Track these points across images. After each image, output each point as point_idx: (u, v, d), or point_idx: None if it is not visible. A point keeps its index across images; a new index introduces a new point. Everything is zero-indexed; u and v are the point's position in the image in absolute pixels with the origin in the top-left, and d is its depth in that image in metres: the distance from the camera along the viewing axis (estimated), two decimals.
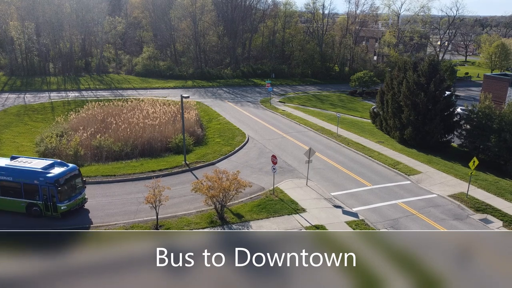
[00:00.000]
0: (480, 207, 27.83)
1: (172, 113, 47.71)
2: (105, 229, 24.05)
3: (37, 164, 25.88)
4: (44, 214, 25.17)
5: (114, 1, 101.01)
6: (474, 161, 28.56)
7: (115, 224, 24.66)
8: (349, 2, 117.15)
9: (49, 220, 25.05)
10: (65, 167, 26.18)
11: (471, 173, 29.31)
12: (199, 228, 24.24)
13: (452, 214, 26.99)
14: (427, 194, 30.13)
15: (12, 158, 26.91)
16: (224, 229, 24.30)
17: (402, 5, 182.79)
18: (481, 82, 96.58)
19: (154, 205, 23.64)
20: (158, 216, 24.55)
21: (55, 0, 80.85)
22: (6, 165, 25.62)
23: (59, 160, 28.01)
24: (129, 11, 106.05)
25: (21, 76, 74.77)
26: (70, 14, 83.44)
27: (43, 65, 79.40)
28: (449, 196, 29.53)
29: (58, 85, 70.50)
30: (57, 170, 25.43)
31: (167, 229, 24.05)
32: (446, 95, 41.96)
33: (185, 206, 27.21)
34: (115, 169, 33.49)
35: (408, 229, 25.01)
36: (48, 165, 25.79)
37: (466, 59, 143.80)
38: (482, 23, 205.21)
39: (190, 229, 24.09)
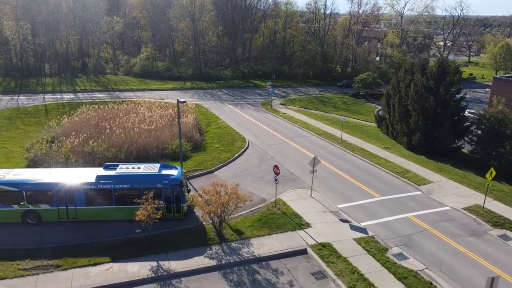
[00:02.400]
0: (498, 221, 25.91)
1: (169, 116, 45.79)
2: (94, 247, 22.08)
3: (148, 168, 25.71)
4: (165, 216, 24.31)
5: (113, 0, 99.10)
6: (491, 172, 26.65)
7: (105, 240, 22.72)
8: (352, 1, 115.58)
9: (174, 222, 24.52)
10: (174, 168, 26.22)
11: (487, 185, 27.40)
12: (195, 246, 22.30)
13: (468, 230, 25.07)
14: (439, 206, 28.20)
15: (106, 166, 25.93)
16: (222, 247, 22.38)
17: (405, 5, 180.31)
18: (486, 83, 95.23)
19: (146, 222, 21.73)
20: (152, 232, 22.66)
21: (51, 0, 78.97)
22: (119, 173, 24.99)
23: (162, 163, 28.26)
24: (128, 10, 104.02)
25: (16, 77, 72.95)
26: (67, 13, 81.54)
27: (39, 66, 77.60)
28: (464, 208, 27.60)
29: (53, 87, 68.64)
30: (173, 172, 25.57)
31: (161, 247, 22.11)
32: (455, 98, 40.06)
33: (181, 220, 25.25)
34: None
35: (422, 247, 23.09)
36: (160, 167, 25.89)
37: (469, 59, 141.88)
38: (484, 23, 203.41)
39: (186, 247, 22.15)
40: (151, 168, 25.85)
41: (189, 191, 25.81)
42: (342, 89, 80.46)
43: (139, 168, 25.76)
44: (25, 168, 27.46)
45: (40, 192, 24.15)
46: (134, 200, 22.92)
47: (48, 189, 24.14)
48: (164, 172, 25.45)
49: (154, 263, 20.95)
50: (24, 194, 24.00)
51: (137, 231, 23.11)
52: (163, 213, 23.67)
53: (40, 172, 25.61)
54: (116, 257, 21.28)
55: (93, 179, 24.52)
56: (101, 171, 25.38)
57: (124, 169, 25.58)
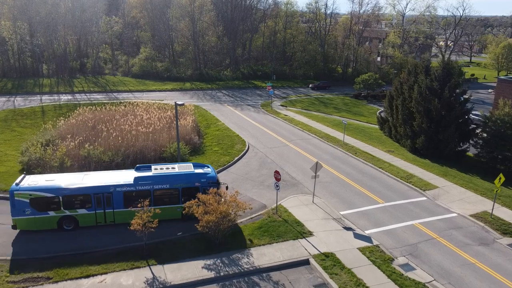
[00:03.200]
0: (507, 229, 24.97)
1: (167, 119, 44.85)
2: (86, 258, 21.13)
3: (182, 167, 25.82)
4: None
5: (112, 0, 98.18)
6: (500, 178, 25.71)
7: (99, 251, 21.77)
8: (353, 1, 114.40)
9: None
10: (206, 167, 26.59)
11: (496, 191, 26.46)
12: (192, 257, 21.36)
13: (476, 238, 24.13)
14: (446, 213, 27.27)
15: (138, 168, 25.82)
16: (221, 257, 21.43)
17: (407, 4, 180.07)
18: (488, 84, 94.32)
19: (141, 231, 20.80)
20: (148, 241, 21.71)
21: (49, 0, 78.04)
22: (157, 173, 24.84)
23: (194, 162, 28.66)
24: (127, 11, 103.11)
25: (13, 78, 71.99)
26: (65, 13, 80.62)
27: (36, 66, 76.63)
28: (471, 215, 26.66)
29: (51, 88, 67.73)
30: (208, 170, 25.95)
31: (157, 258, 21.16)
32: (460, 100, 39.13)
33: (179, 228, 24.29)
34: None
35: (429, 256, 22.15)
36: (194, 166, 26.12)
37: (470, 60, 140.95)
38: (485, 23, 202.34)
39: (183, 259, 21.21)
40: (185, 167, 25.93)
41: (227, 187, 25.95)
42: (315, 91, 76.64)
43: (173, 168, 25.69)
44: (56, 174, 26.62)
45: (78, 196, 23.60)
46: (177, 199, 23.78)
47: (86, 193, 23.61)
48: (200, 171, 25.57)
49: (149, 275, 20.02)
50: (61, 200, 23.29)
51: (178, 233, 23.07)
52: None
53: (73, 177, 24.85)
54: (110, 268, 20.33)
55: (131, 181, 24.16)
56: (134, 173, 25.08)
57: (159, 169, 25.40)
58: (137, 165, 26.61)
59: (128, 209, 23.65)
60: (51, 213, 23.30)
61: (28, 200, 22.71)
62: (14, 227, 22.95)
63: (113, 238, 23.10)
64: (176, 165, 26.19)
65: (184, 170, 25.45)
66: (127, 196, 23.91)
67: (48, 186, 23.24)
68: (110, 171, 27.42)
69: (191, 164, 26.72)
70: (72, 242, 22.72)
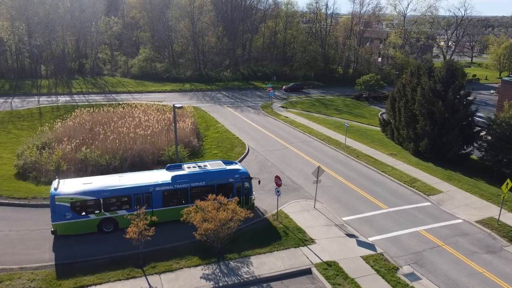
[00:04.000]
0: None
1: (166, 121, 44.15)
2: (80, 267, 20.41)
3: (213, 165, 26.45)
4: None
5: (111, 0, 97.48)
6: (507, 184, 24.98)
7: (93, 260, 21.04)
8: (353, 2, 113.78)
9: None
10: (234, 163, 27.56)
11: (503, 197, 25.73)
12: (190, 266, 20.66)
13: (483, 246, 23.42)
14: (451, 219, 26.55)
15: (169, 167, 26.07)
16: (220, 267, 20.73)
17: (408, 5, 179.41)
18: (490, 85, 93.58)
19: (137, 239, 20.10)
20: (144, 250, 21.00)
21: (47, 0, 77.33)
22: (193, 172, 25.35)
23: (222, 159, 29.42)
24: (126, 11, 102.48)
25: (11, 79, 71.29)
26: (64, 14, 79.93)
27: (35, 67, 75.92)
28: (477, 222, 25.95)
29: (49, 89, 67.06)
30: (239, 166, 26.87)
31: (153, 267, 20.45)
32: (464, 102, 38.41)
33: (176, 235, 23.57)
34: None
35: (435, 265, 21.44)
36: (224, 163, 26.91)
37: (472, 60, 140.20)
38: (485, 24, 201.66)
39: (180, 267, 20.50)
40: (216, 165, 26.58)
41: (259, 182, 27.53)
42: (288, 93, 73.49)
43: (205, 165, 26.25)
44: (92, 177, 26.22)
45: (118, 198, 23.57)
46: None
47: (126, 194, 23.60)
48: (231, 167, 26.38)
49: (145, 285, 19.31)
50: (102, 202, 23.15)
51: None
52: None
53: (109, 179, 24.74)
54: (105, 278, 19.62)
55: (169, 180, 24.40)
56: (167, 172, 25.33)
57: (192, 168, 25.87)
58: (168, 164, 26.84)
59: (167, 208, 24.04)
60: (92, 216, 23.13)
61: (69, 204, 22.50)
62: (54, 232, 22.67)
63: (108, 246, 22.39)
64: (207, 163, 26.86)
65: (216, 167, 26.03)
66: (165, 195, 24.21)
67: (89, 189, 23.12)
68: (142, 171, 27.19)
69: (221, 161, 27.48)
70: (66, 249, 22.01)
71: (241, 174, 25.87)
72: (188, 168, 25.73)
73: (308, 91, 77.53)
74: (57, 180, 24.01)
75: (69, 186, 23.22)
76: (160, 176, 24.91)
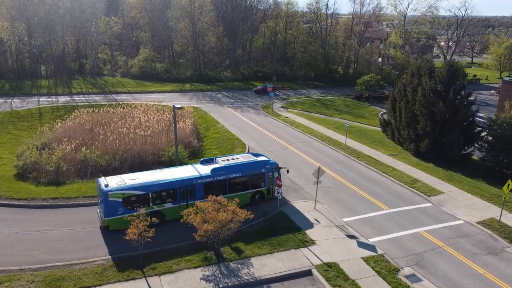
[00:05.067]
0: None
1: (166, 121, 44.12)
2: (80, 268, 20.33)
3: (244, 157, 28.14)
4: (265, 198, 27.73)
5: (111, 0, 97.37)
6: (508, 185, 24.90)
7: (93, 261, 20.96)
8: (354, 2, 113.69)
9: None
10: (260, 155, 29.25)
11: (504, 198, 25.65)
12: (190, 267, 20.58)
13: (484, 247, 23.33)
14: (452, 220, 26.47)
15: (203, 161, 27.79)
16: (220, 268, 20.65)
17: (408, 5, 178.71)
18: (491, 85, 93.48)
19: (137, 241, 20.03)
20: (144, 251, 20.94)
21: (47, 0, 77.24)
22: (230, 164, 26.76)
23: (251, 152, 31.39)
24: (126, 11, 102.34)
25: (11, 79, 71.14)
26: (64, 14, 79.82)
27: (35, 67, 75.78)
28: (478, 223, 25.86)
29: (49, 89, 66.95)
30: (264, 158, 28.44)
31: (153, 268, 20.37)
32: (465, 103, 38.33)
33: (176, 236, 23.54)
34: None
35: (436, 266, 21.36)
36: (253, 155, 28.87)
37: (472, 60, 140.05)
38: (485, 24, 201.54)
39: (180, 269, 20.42)
40: (247, 157, 28.29)
41: (288, 171, 29.17)
42: (260, 95, 69.54)
43: (237, 158, 27.85)
44: (136, 173, 26.50)
45: (165, 191, 24.57)
46: (247, 186, 26.61)
47: (172, 188, 24.66)
48: (260, 159, 28.17)
49: (145, 286, 19.23)
50: (150, 196, 24.05)
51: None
52: (264, 195, 27.68)
53: (152, 174, 25.74)
54: (105, 280, 19.55)
55: (209, 172, 25.71)
56: (202, 166, 26.76)
57: (226, 160, 27.25)
58: (202, 159, 28.55)
59: (208, 199, 24.31)
60: (141, 210, 23.32)
61: (120, 200, 23.22)
62: (106, 227, 23.37)
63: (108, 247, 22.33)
64: (238, 156, 28.55)
65: (248, 159, 27.71)
66: (206, 187, 25.37)
67: (139, 183, 23.96)
68: (177, 166, 28.23)
69: (249, 154, 29.59)
70: (67, 251, 21.94)
71: (271, 164, 27.75)
72: (222, 161, 27.08)
73: (309, 91, 77.38)
74: (102, 177, 24.69)
75: (117, 182, 23.88)
76: (197, 169, 26.18)
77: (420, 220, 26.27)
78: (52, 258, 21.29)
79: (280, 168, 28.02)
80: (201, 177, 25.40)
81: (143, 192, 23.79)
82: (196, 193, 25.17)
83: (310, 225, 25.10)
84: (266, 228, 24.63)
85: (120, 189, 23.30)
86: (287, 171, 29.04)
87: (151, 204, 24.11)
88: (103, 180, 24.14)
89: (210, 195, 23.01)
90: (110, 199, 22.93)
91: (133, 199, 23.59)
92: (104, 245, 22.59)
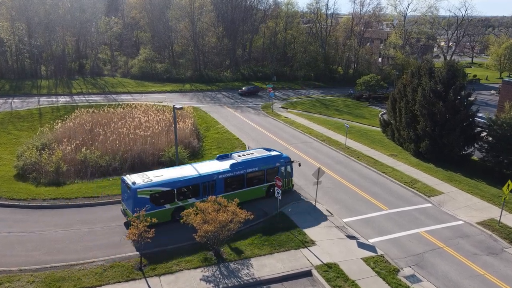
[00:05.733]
0: None
1: (166, 121, 44.15)
2: (80, 269, 20.34)
3: (258, 152, 29.27)
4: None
5: (111, 1, 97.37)
6: (508, 185, 24.90)
7: (93, 262, 20.97)
8: (354, 2, 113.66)
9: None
10: (273, 151, 30.38)
11: (504, 198, 25.65)
12: (190, 268, 20.58)
13: (484, 248, 23.33)
14: (452, 220, 26.47)
15: (219, 157, 28.65)
16: (220, 268, 20.65)
17: (408, 5, 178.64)
18: (491, 85, 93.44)
19: (137, 241, 20.04)
20: (144, 251, 20.96)
21: (48, 0, 77.24)
22: (247, 159, 27.83)
23: (263, 147, 31.95)
24: (127, 11, 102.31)
25: (11, 79, 71.17)
26: (64, 14, 79.82)
27: (35, 67, 75.80)
28: (478, 223, 25.86)
29: (49, 89, 66.97)
30: (276, 153, 29.56)
31: (153, 269, 20.38)
32: (465, 103, 38.31)
33: (176, 236, 23.54)
34: (100, 189, 29.88)
35: (436, 267, 21.35)
36: (266, 150, 29.99)
37: (472, 60, 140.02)
38: (485, 24, 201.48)
39: (180, 269, 20.43)
40: (260, 152, 29.38)
41: (299, 165, 30.56)
42: (245, 97, 67.57)
43: (252, 153, 28.98)
44: (159, 170, 27.41)
45: (189, 187, 25.28)
46: (262, 180, 27.82)
47: (196, 183, 25.42)
48: (274, 153, 29.40)
49: (145, 287, 19.23)
50: (175, 192, 24.72)
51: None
52: (272, 190, 28.13)
53: (175, 170, 26.37)
54: (104, 280, 19.56)
55: (228, 167, 26.60)
56: (218, 162, 27.66)
57: (242, 156, 28.30)
58: (218, 155, 29.56)
59: (228, 193, 25.86)
60: (167, 206, 24.58)
61: (148, 196, 23.74)
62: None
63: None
64: (252, 151, 29.81)
65: (263, 154, 28.81)
66: (226, 182, 26.39)
67: (165, 180, 24.56)
68: (197, 163, 29.13)
69: (262, 149, 30.41)
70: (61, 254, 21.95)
71: (285, 158, 29.00)
72: (238, 157, 28.11)
73: (309, 91, 77.35)
74: (127, 175, 25.18)
75: (143, 179, 24.37)
76: (217, 165, 27.05)
77: (420, 221, 26.27)
78: (52, 258, 21.30)
79: (293, 162, 29.18)
80: (222, 173, 26.22)
81: (169, 189, 24.43)
82: (217, 188, 25.94)
83: (310, 226, 25.08)
84: (266, 228, 24.61)
85: (147, 186, 23.82)
86: (299, 165, 30.34)
87: (176, 200, 24.78)
88: (128, 178, 24.57)
89: (230, 190, 24.72)
90: (138, 196, 23.41)
91: (160, 196, 24.18)
92: (104, 246, 22.59)
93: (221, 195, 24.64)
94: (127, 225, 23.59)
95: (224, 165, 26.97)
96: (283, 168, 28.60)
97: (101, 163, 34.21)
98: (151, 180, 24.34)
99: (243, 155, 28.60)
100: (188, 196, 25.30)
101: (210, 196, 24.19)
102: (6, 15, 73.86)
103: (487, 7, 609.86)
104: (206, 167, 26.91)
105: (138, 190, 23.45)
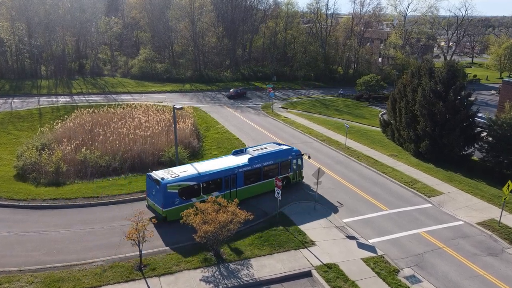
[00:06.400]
0: None
1: (166, 121, 44.13)
2: (79, 269, 20.32)
3: (270, 147, 30.91)
4: (291, 182, 30.47)
5: (111, 1, 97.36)
6: (508, 185, 24.86)
7: (92, 262, 20.95)
8: (354, 2, 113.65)
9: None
10: (282, 144, 32.32)
11: (504, 199, 25.62)
12: (190, 269, 20.56)
13: (484, 248, 23.30)
14: (452, 220, 26.44)
15: (235, 152, 29.87)
16: (220, 269, 20.62)
17: (408, 5, 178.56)
18: (491, 85, 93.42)
19: (137, 242, 20.01)
20: (144, 252, 20.92)
21: (48, 0, 77.23)
22: (263, 153, 29.25)
23: (273, 142, 34.25)
24: (127, 11, 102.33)
25: (11, 80, 71.18)
26: (64, 14, 79.82)
27: (35, 67, 75.81)
28: (478, 223, 25.84)
29: (49, 89, 66.98)
30: (286, 147, 31.14)
31: (153, 269, 20.36)
32: (465, 103, 38.28)
33: (175, 237, 23.53)
34: (99, 189, 29.85)
35: (436, 268, 21.33)
36: (277, 144, 31.61)
37: (472, 60, 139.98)
38: (486, 24, 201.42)
39: (180, 270, 20.41)
40: (272, 146, 31.02)
41: (309, 157, 32.48)
42: (235, 100, 64.77)
43: (265, 148, 30.54)
44: (181, 166, 27.93)
45: (213, 181, 26.20)
46: (277, 172, 29.16)
47: (219, 177, 26.37)
48: (286, 147, 31.10)
49: (145, 287, 19.22)
50: (201, 186, 25.56)
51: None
52: (290, 180, 30.36)
53: (197, 166, 27.17)
54: (104, 280, 19.53)
55: (246, 161, 27.83)
56: (233, 157, 28.88)
57: (256, 150, 29.70)
58: (234, 150, 30.74)
59: (246, 186, 27.56)
60: (194, 200, 24.93)
61: (177, 191, 24.54)
62: (164, 219, 24.36)
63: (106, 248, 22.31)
64: (265, 145, 31.27)
65: (276, 148, 30.37)
66: (246, 175, 27.59)
67: (192, 175, 25.42)
68: (215, 158, 30.28)
69: (273, 143, 32.13)
70: (63, 253, 21.93)
71: (296, 152, 30.70)
72: (254, 151, 29.44)
73: (309, 91, 77.33)
74: (152, 172, 25.87)
75: (170, 175, 25.06)
76: (233, 160, 28.17)
77: (420, 221, 26.24)
78: (51, 259, 21.28)
79: (303, 154, 30.93)
80: (241, 166, 27.35)
81: (195, 183, 25.28)
82: (237, 181, 27.13)
83: (310, 226, 25.05)
84: (266, 229, 24.55)
85: (176, 181, 24.52)
86: (309, 157, 31.95)
87: (201, 194, 25.50)
88: (156, 174, 25.21)
89: (248, 183, 26.69)
90: (168, 191, 24.09)
91: (187, 190, 24.93)
92: (104, 246, 22.56)
93: (241, 188, 27.17)
94: (164, 219, 24.20)
95: (242, 159, 28.10)
96: (294, 161, 30.23)
97: (101, 163, 34.16)
98: (178, 176, 25.00)
99: (258, 149, 29.88)
100: (213, 189, 26.06)
101: (231, 190, 26.56)
102: (6, 15, 73.86)
103: (487, 7, 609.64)
104: (225, 162, 27.91)
105: (168, 185, 24.10)
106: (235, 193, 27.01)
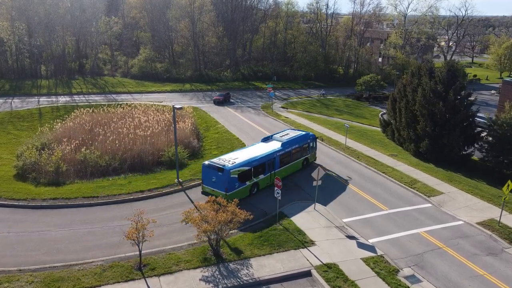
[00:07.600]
0: None
1: (166, 121, 44.10)
2: (79, 269, 20.31)
3: (292, 132, 34.63)
4: (309, 162, 34.67)
5: (111, 0, 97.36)
6: (508, 185, 24.85)
7: (92, 262, 20.95)
8: (354, 2, 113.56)
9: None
10: (298, 130, 36.22)
11: (504, 199, 25.61)
12: (190, 268, 20.55)
13: (484, 248, 23.29)
14: (452, 220, 26.43)
15: (264, 139, 33.44)
16: (219, 269, 20.62)
17: (409, 5, 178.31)
18: (491, 85, 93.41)
19: (136, 242, 20.01)
20: (143, 252, 20.92)
21: (48, 0, 77.23)
22: (291, 137, 32.89)
23: (291, 128, 40.12)
24: (127, 11, 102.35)
25: (11, 79, 71.20)
26: (64, 14, 79.83)
27: (35, 67, 75.82)
28: (478, 223, 25.82)
29: (49, 89, 66.99)
30: (302, 132, 34.95)
31: (152, 269, 20.35)
32: (465, 103, 38.27)
33: (175, 237, 23.57)
34: (99, 189, 29.86)
35: (436, 267, 21.32)
36: (294, 130, 35.86)
37: (472, 60, 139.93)
38: (486, 23, 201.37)
39: (179, 269, 20.40)
40: (293, 132, 34.93)
41: (322, 139, 38.33)
42: (222, 104, 60.71)
43: (287, 133, 34.18)
44: (229, 153, 30.62)
45: (260, 165, 29.12)
46: (301, 155, 33.37)
47: (264, 161, 29.41)
48: (303, 132, 34.87)
49: (144, 287, 19.20)
50: (253, 170, 28.38)
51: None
52: (308, 160, 34.45)
53: (241, 153, 29.89)
54: (104, 280, 19.53)
55: (280, 146, 31.20)
56: (264, 144, 32.12)
57: (282, 136, 33.19)
58: (263, 137, 34.23)
59: (281, 168, 30.95)
60: (247, 183, 28.21)
61: (237, 176, 27.19)
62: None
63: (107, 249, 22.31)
64: (287, 131, 35.24)
65: (297, 134, 34.13)
66: (280, 159, 30.89)
67: (246, 160, 28.25)
68: (247, 147, 33.74)
69: (290, 129, 36.55)
70: (62, 253, 21.93)
71: (312, 136, 34.87)
72: (281, 137, 32.86)
73: (309, 91, 77.33)
74: (208, 161, 28.33)
75: (228, 162, 27.51)
76: (267, 146, 31.34)
77: (420, 221, 26.23)
78: (51, 258, 21.29)
79: (317, 138, 35.29)
80: (277, 151, 30.66)
81: (249, 168, 28.03)
82: (276, 164, 30.34)
83: (310, 226, 25.04)
84: (266, 229, 24.52)
85: (236, 167, 27.22)
86: (322, 139, 38.21)
87: (252, 177, 28.48)
88: (216, 162, 27.63)
89: (281, 165, 30.47)
90: (231, 176, 26.69)
91: (244, 174, 27.61)
92: (103, 246, 22.58)
93: (278, 170, 30.43)
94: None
95: (273, 145, 31.45)
96: (312, 144, 34.34)
97: (100, 163, 34.16)
98: (235, 162, 27.56)
99: (282, 135, 33.32)
100: (260, 173, 29.11)
101: (271, 172, 29.84)
102: (6, 15, 73.88)
103: (487, 7, 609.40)
104: (262, 148, 30.93)
105: (231, 171, 26.69)
106: (274, 175, 29.86)
